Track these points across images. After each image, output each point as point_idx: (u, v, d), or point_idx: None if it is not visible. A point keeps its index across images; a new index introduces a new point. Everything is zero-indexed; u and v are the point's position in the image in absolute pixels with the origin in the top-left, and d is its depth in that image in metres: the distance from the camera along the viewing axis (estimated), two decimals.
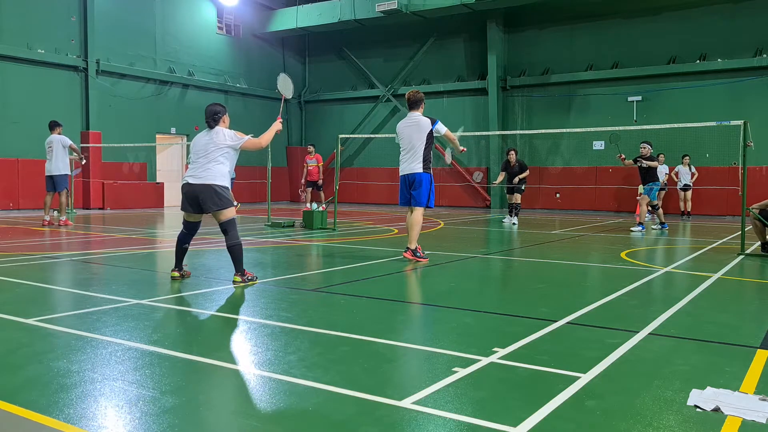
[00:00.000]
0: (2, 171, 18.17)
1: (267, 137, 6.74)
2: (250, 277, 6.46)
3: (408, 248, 8.10)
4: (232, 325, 4.78)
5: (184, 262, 6.85)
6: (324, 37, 26.55)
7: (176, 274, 6.69)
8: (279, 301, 5.61)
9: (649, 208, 14.02)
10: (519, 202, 15.50)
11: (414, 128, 8.11)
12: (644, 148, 13.65)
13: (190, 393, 3.19)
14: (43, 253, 8.79)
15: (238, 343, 4.29)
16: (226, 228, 6.36)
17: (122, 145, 19.70)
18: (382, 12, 21.91)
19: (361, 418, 2.91)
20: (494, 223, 15.82)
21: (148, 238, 11.38)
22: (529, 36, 22.58)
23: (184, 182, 6.44)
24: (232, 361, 3.86)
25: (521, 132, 21.50)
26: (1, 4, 18.17)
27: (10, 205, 18.33)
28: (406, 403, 3.04)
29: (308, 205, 17.65)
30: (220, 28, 24.68)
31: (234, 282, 6.35)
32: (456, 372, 3.51)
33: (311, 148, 19.30)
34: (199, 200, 6.34)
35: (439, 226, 14.32)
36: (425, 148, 8.08)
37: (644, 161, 13.59)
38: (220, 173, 6.33)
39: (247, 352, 4.03)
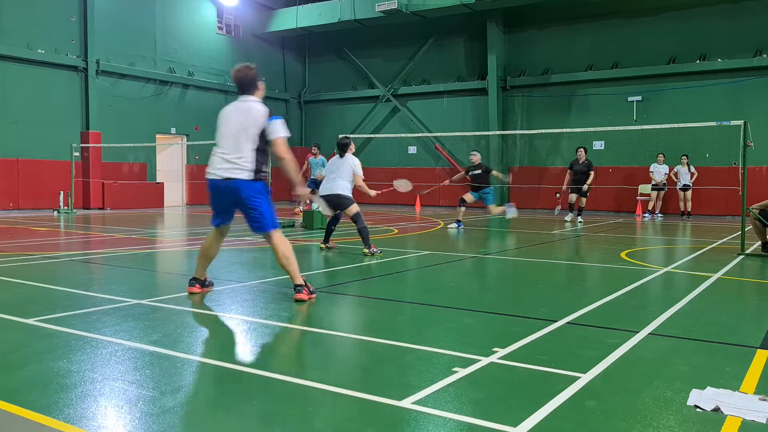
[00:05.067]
0: (2, 171, 18.17)
1: (364, 188, 9.37)
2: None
3: (296, 286, 5.58)
4: (232, 325, 4.78)
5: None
6: (324, 37, 26.54)
7: (323, 246, 9.41)
8: (279, 301, 5.61)
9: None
10: (583, 205, 16.27)
11: (243, 116, 5.57)
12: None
13: (190, 393, 3.19)
14: (43, 253, 8.79)
15: (238, 343, 4.29)
16: None
17: (122, 145, 19.70)
18: (382, 12, 21.90)
19: (361, 418, 2.91)
20: (494, 223, 15.82)
21: (148, 238, 11.38)
22: (529, 36, 22.56)
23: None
24: (233, 361, 3.86)
25: (521, 132, 21.49)
26: (1, 4, 18.16)
27: (10, 205, 18.33)
28: (406, 403, 3.04)
29: (300, 207, 17.47)
30: (220, 28, 24.67)
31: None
32: (456, 372, 3.51)
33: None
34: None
35: (439, 226, 14.31)
36: (257, 148, 5.53)
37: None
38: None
39: (247, 352, 4.03)
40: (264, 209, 5.48)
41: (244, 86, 5.68)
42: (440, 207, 23.25)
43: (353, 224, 9.12)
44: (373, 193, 9.47)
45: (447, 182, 15.26)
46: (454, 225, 13.85)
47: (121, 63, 21.03)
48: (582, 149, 16.33)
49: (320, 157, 17.97)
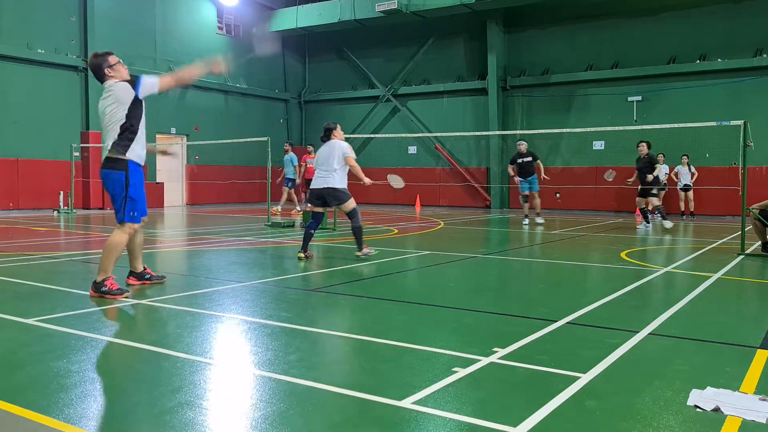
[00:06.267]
0: (2, 171, 18.17)
1: (358, 170, 8.34)
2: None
3: (96, 282, 5.62)
4: (232, 325, 4.77)
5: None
6: (324, 37, 26.54)
7: (301, 255, 8.26)
8: (279, 301, 5.61)
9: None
10: (656, 205, 13.90)
11: (109, 100, 5.62)
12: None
13: (190, 393, 3.19)
14: (43, 253, 8.79)
15: (238, 343, 4.29)
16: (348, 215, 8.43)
17: None
18: (382, 12, 21.90)
19: (361, 418, 2.91)
20: (494, 223, 15.82)
21: (147, 238, 11.37)
22: (529, 36, 22.56)
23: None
24: (232, 361, 3.86)
25: (521, 132, 21.49)
26: (1, 4, 18.16)
27: (10, 205, 18.33)
28: (406, 403, 3.04)
29: (300, 207, 17.46)
30: (220, 28, 24.67)
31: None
32: (456, 372, 3.51)
33: (311, 148, 19.23)
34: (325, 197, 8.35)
35: (439, 226, 14.31)
36: (123, 124, 5.53)
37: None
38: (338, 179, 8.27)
39: (247, 352, 4.03)
40: (118, 199, 5.57)
41: (97, 76, 5.72)
42: (440, 207, 23.26)
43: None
44: (367, 181, 8.46)
45: (514, 175, 15.34)
46: (526, 221, 14.99)
47: None
48: (644, 144, 13.79)
49: (290, 154, 17.95)
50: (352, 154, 8.33)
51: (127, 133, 5.56)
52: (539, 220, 14.98)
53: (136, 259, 6.20)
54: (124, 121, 5.52)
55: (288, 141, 17.88)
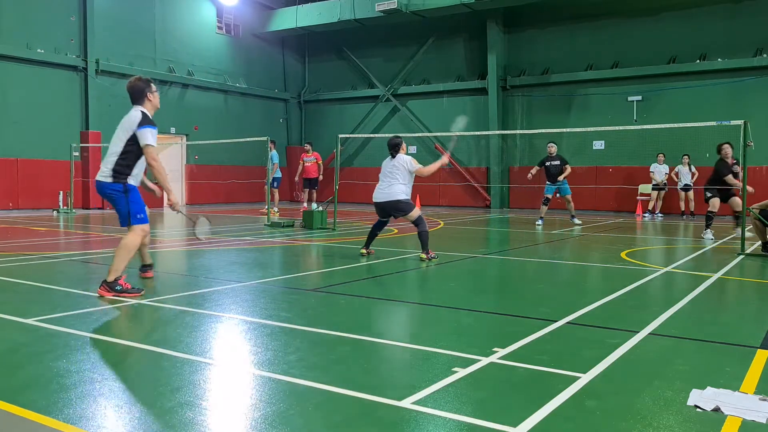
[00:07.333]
0: (2, 171, 18.16)
1: (431, 169, 8.60)
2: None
3: (104, 281, 5.75)
4: (232, 325, 4.77)
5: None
6: (324, 36, 26.53)
7: (363, 251, 8.65)
8: (279, 301, 5.61)
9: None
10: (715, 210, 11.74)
11: (122, 124, 5.95)
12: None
13: (190, 393, 3.19)
14: (43, 253, 8.79)
15: (238, 343, 4.29)
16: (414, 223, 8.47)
17: None
18: (381, 12, 21.89)
19: (361, 418, 2.91)
20: (494, 223, 15.82)
21: None
22: (529, 36, 22.56)
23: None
24: (232, 361, 3.86)
25: (521, 132, 21.50)
26: (1, 4, 18.15)
27: (10, 205, 18.33)
28: (406, 403, 3.04)
29: (305, 204, 17.50)
30: (219, 27, 24.66)
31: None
32: (456, 372, 3.51)
33: (308, 147, 19.27)
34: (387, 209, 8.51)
35: (439, 226, 14.31)
36: (122, 153, 5.86)
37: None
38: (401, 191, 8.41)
39: (247, 352, 4.03)
40: (121, 207, 5.85)
41: (132, 96, 6.03)
42: (440, 207, 23.25)
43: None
44: (445, 159, 8.63)
45: (529, 176, 15.34)
46: (540, 222, 14.66)
47: (121, 62, 21.02)
48: (728, 145, 11.63)
49: (273, 152, 17.88)
50: (416, 165, 8.48)
51: (131, 156, 5.84)
52: (577, 221, 14.94)
53: (145, 254, 6.63)
54: (129, 145, 5.82)
55: (271, 140, 17.86)
